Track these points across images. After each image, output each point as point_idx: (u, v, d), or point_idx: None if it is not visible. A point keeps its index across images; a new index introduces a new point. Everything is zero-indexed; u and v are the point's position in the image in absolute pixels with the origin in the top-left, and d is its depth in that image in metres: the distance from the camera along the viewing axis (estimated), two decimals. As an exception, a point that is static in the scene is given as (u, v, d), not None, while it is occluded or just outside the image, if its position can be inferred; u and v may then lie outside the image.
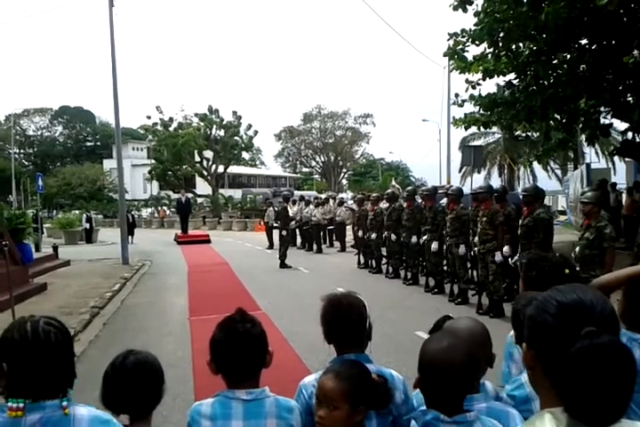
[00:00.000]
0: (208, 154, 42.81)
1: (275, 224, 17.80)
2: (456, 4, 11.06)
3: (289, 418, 1.97)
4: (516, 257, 8.26)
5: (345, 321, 2.14)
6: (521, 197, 9.61)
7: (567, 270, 2.37)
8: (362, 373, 1.91)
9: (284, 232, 14.87)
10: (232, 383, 1.99)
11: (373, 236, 12.85)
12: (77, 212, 33.95)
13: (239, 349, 1.95)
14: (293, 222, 18.55)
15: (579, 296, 1.13)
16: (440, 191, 11.62)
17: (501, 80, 13.02)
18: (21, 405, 1.56)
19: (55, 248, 16.84)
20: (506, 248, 8.37)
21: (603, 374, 1.01)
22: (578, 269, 5.92)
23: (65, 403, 1.60)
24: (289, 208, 16.73)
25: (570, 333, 1.07)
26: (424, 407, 1.84)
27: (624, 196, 17.20)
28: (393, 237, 11.74)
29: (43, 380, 1.60)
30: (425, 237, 10.46)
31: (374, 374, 1.96)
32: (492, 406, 1.91)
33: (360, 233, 14.00)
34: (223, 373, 2.00)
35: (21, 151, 76.13)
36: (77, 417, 1.61)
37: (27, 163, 74.96)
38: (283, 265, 14.46)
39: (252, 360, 1.99)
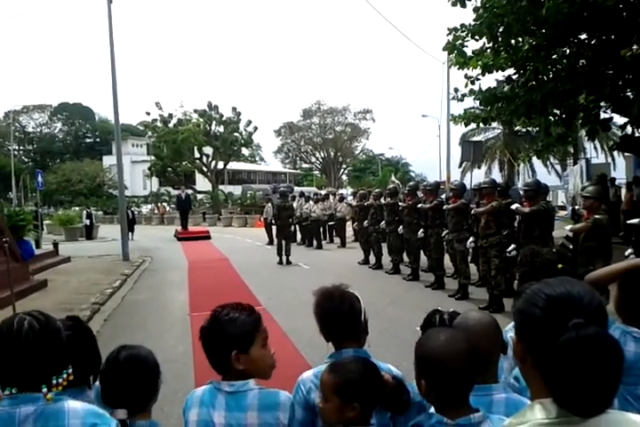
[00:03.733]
0: (208, 150, 42.82)
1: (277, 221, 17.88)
2: (454, -1, 11.00)
3: (273, 411, 1.96)
4: (510, 247, 8.29)
5: (337, 313, 2.14)
6: (522, 192, 9.63)
7: (560, 266, 2.37)
8: (363, 370, 1.87)
9: (290, 228, 14.94)
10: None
11: (365, 223, 13.30)
12: (77, 208, 34.01)
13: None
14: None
15: (566, 289, 1.15)
16: (442, 187, 11.65)
17: (500, 75, 13.01)
18: (6, 393, 1.57)
19: (55, 245, 16.85)
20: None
21: (590, 365, 1.03)
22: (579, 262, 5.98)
23: (44, 390, 1.58)
24: (273, 204, 17.12)
25: (558, 325, 1.09)
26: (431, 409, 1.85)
27: (623, 191, 17.20)
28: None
29: (25, 370, 1.59)
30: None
31: (387, 375, 1.91)
32: (510, 397, 1.90)
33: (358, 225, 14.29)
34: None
35: (21, 148, 76.04)
36: (72, 410, 1.60)
37: (26, 159, 74.82)
38: (288, 262, 14.45)
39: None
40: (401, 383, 1.92)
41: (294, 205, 19.73)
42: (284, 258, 14.49)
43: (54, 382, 1.61)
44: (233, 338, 1.96)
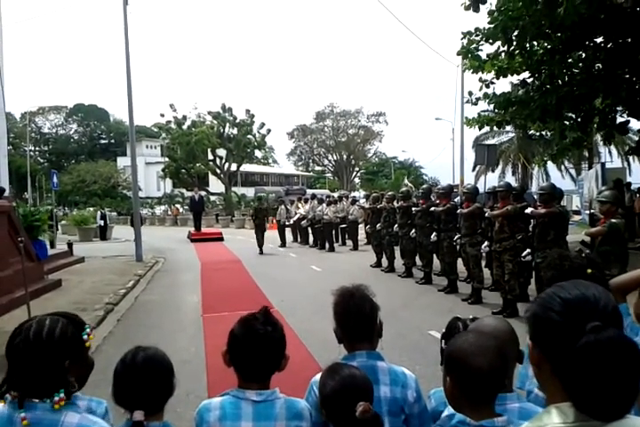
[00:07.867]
0: (221, 152, 43.00)
1: (286, 222, 21.07)
2: (468, 3, 10.92)
3: (298, 419, 1.96)
4: (525, 252, 8.22)
5: (358, 312, 2.13)
6: (536, 196, 9.57)
7: (590, 270, 2.30)
8: (337, 390, 1.84)
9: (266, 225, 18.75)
10: (244, 381, 1.98)
11: (378, 226, 13.26)
12: (92, 209, 34.20)
13: (256, 350, 1.93)
14: (305, 221, 19.24)
15: (582, 292, 1.15)
16: (455, 191, 11.58)
17: (515, 79, 12.95)
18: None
19: (70, 245, 16.95)
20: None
21: (609, 369, 1.02)
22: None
23: (57, 398, 1.60)
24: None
25: (575, 328, 1.08)
26: (446, 410, 1.83)
27: (639, 195, 17.02)
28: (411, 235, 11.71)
29: (33, 378, 1.62)
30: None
31: (365, 407, 1.74)
32: (524, 407, 1.85)
33: (370, 228, 14.31)
34: (236, 369, 2.00)
35: (36, 149, 76.74)
36: (66, 424, 1.61)
37: (42, 160, 75.46)
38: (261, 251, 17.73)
39: (267, 363, 1.97)
40: (376, 419, 1.76)
41: (306, 207, 20.11)
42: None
43: (56, 398, 1.61)
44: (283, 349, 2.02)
